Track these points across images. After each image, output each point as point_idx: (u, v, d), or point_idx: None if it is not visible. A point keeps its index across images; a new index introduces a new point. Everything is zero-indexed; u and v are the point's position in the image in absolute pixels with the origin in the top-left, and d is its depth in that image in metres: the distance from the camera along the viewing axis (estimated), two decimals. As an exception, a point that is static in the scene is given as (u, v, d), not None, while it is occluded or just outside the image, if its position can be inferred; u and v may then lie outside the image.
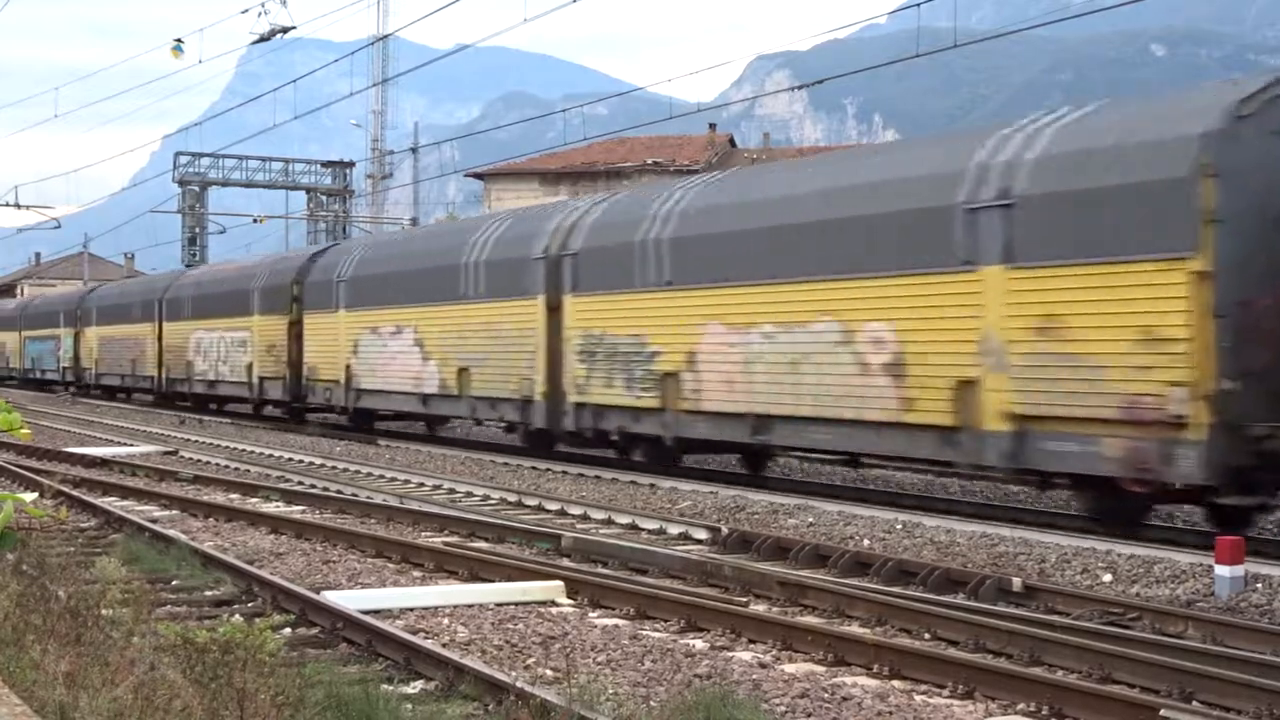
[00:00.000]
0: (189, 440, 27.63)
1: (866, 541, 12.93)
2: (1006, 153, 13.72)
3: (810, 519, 14.31)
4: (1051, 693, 7.21)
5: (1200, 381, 11.60)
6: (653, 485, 17.62)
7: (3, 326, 64.56)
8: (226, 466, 21.98)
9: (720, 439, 17.93)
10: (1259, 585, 10.20)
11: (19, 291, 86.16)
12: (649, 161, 52.31)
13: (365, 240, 31.37)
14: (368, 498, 17.17)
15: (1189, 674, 7.52)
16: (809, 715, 7.15)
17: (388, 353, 26.11)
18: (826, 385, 15.60)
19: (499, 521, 14.52)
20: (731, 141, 62.33)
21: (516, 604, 10.10)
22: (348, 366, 27.75)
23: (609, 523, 14.99)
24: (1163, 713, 6.74)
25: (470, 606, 9.98)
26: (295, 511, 15.87)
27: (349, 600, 9.73)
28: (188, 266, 58.46)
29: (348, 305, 28.04)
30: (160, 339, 40.37)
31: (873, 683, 7.81)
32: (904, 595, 10.06)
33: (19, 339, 60.30)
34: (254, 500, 17.11)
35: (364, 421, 28.70)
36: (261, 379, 32.46)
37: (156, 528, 13.49)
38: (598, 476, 18.93)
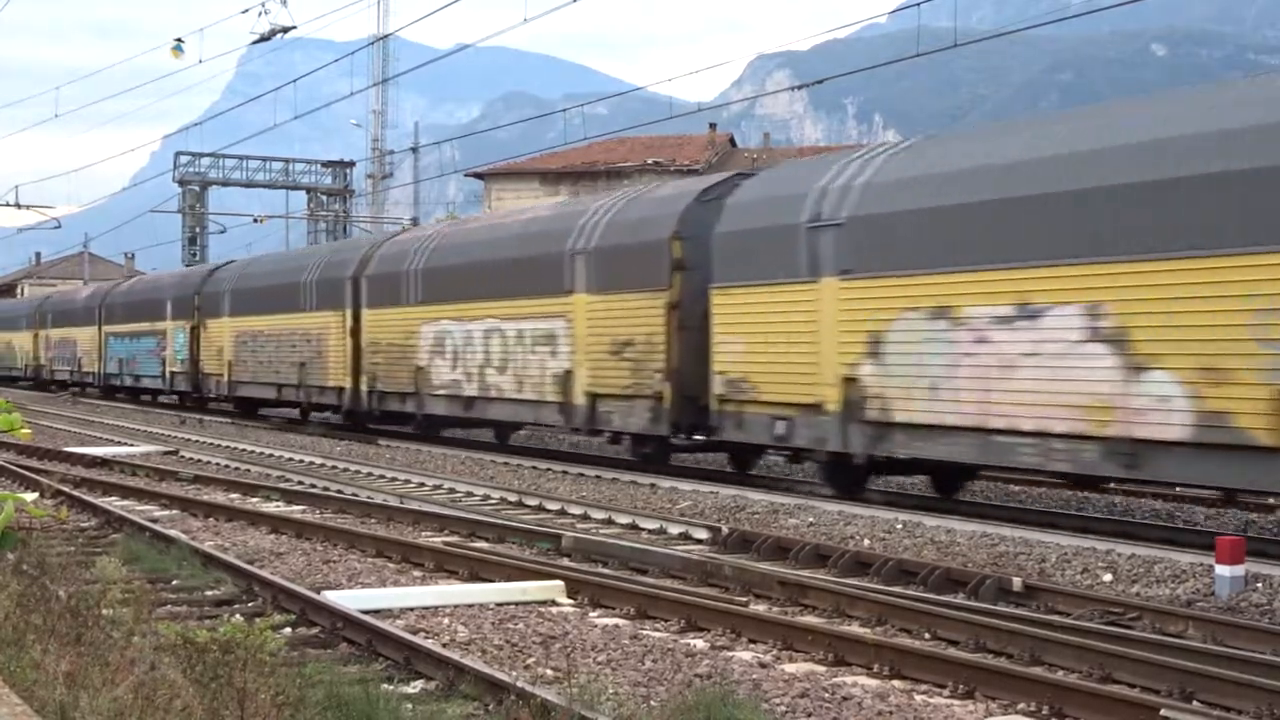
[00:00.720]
0: (189, 440, 27.62)
1: (866, 541, 12.93)
2: None
3: (810, 519, 14.31)
4: (1052, 693, 7.21)
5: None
6: (653, 485, 17.62)
7: (69, 321, 51.10)
8: (227, 466, 21.99)
9: None
10: (1259, 585, 10.20)
11: (19, 291, 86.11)
12: (649, 161, 52.32)
13: (858, 153, 17.00)
14: (368, 497, 17.17)
15: (1189, 674, 7.52)
16: (809, 715, 7.14)
17: (992, 355, 13.82)
18: None
19: (499, 521, 14.52)
20: (732, 141, 62.36)
21: (517, 604, 10.10)
22: (850, 380, 15.47)
23: (609, 522, 14.99)
24: (1163, 713, 6.74)
25: (470, 606, 9.98)
26: (295, 511, 15.88)
27: (349, 600, 9.73)
28: (187, 266, 58.01)
29: (850, 270, 15.54)
30: (355, 334, 27.80)
31: (873, 683, 7.81)
32: (904, 595, 10.06)
33: (97, 337, 46.81)
34: (254, 500, 17.11)
35: (852, 480, 16.32)
36: (594, 397, 20.10)
37: (157, 527, 13.50)
38: (598, 476, 18.93)
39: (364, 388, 27.45)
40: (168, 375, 39.83)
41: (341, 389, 28.34)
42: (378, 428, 27.79)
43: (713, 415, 17.77)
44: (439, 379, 24.47)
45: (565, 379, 20.74)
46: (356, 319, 27.84)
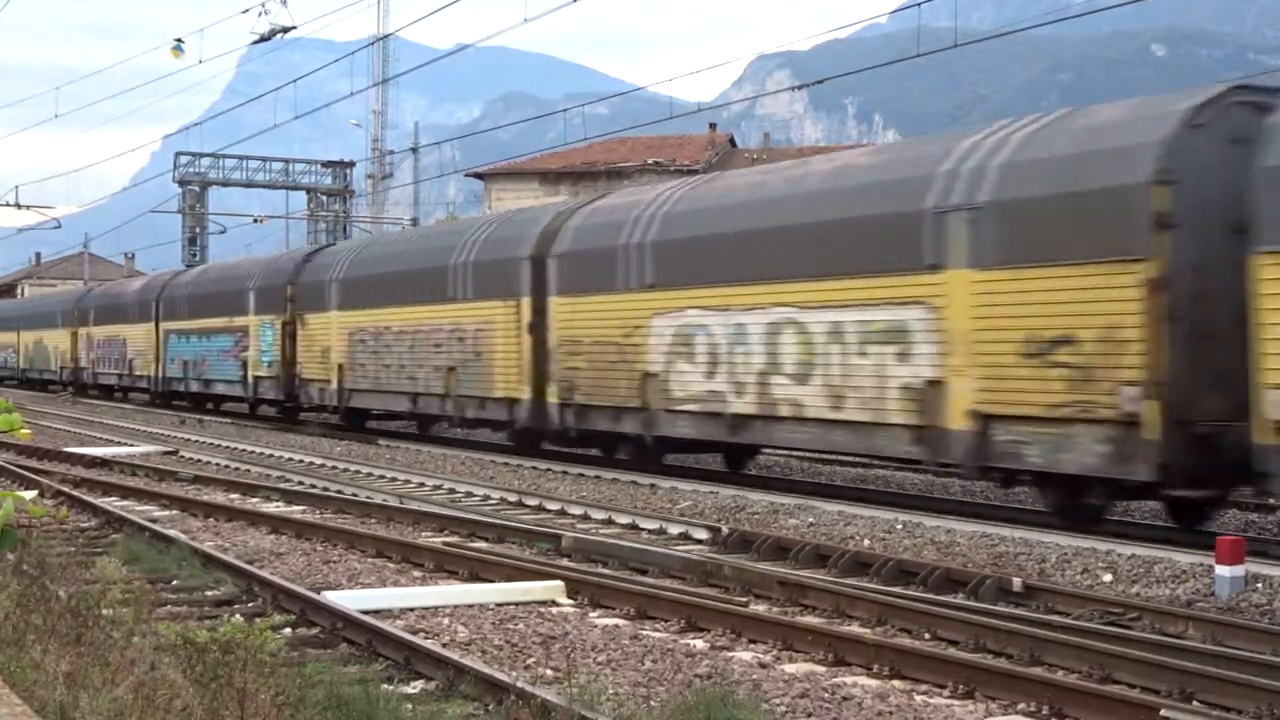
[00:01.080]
0: (189, 440, 27.62)
1: (866, 541, 12.93)
2: None
3: (810, 519, 14.31)
4: (1052, 693, 7.21)
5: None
6: (653, 485, 17.62)
7: (117, 317, 44.50)
8: (226, 466, 21.99)
9: None
10: (1259, 585, 10.20)
11: (19, 292, 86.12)
12: (649, 161, 52.33)
13: None
14: (368, 498, 17.18)
15: (1189, 674, 7.52)
16: (809, 715, 7.15)
17: None
18: None
19: (499, 521, 14.52)
20: (732, 141, 62.38)
21: (517, 604, 10.10)
22: None
23: (609, 523, 14.99)
24: (1163, 713, 6.74)
25: (470, 606, 9.98)
26: (295, 511, 15.88)
27: (349, 600, 9.73)
28: (187, 267, 57.79)
29: None
30: (537, 330, 21.30)
31: (873, 683, 7.82)
32: (904, 595, 10.06)
33: (154, 334, 40.33)
34: (254, 500, 17.11)
35: None
36: (986, 419, 13.87)
37: (157, 528, 13.51)
38: (598, 476, 18.92)
39: (552, 399, 20.79)
40: (249, 380, 33.28)
41: (515, 401, 21.78)
42: (570, 452, 21.85)
43: (1261, 455, 11.41)
44: (684, 389, 18.03)
45: (927, 393, 14.43)
46: (539, 310, 21.27)
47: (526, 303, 21.63)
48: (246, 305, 33.60)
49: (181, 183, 69.33)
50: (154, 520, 14.57)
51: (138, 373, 41.93)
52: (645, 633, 9.23)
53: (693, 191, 19.42)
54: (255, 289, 33.44)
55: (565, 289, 20.76)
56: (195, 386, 37.52)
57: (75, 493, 16.83)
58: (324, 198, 70.11)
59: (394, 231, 37.19)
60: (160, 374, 39.87)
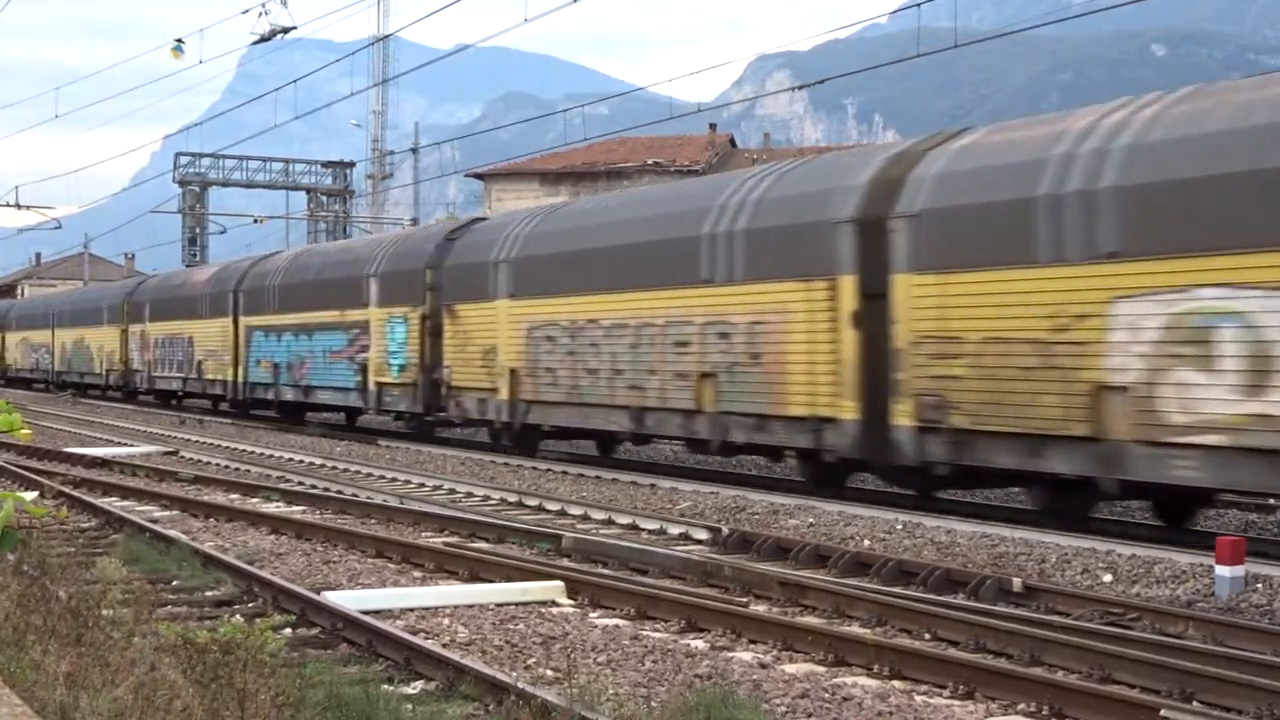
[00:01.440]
0: (189, 440, 27.61)
1: (866, 542, 12.93)
2: None
3: (810, 519, 14.31)
4: (1052, 693, 7.21)
5: None
6: (653, 485, 17.63)
7: (182, 311, 38.36)
8: (227, 467, 21.99)
9: None
10: (1259, 585, 10.20)
11: (19, 292, 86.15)
12: (649, 161, 52.34)
13: None
14: (368, 498, 17.18)
15: (1189, 674, 7.52)
16: (809, 715, 7.15)
17: None
18: None
19: (499, 522, 14.53)
20: (732, 141, 62.40)
21: (517, 604, 10.10)
22: None
23: (609, 523, 14.99)
24: (1163, 713, 6.74)
25: (471, 607, 9.98)
26: (296, 512, 15.88)
27: (349, 600, 9.73)
28: (187, 266, 57.68)
29: None
30: (863, 322, 15.42)
31: (873, 683, 7.82)
32: (904, 595, 10.06)
33: (230, 332, 34.21)
34: (254, 500, 17.11)
35: None
36: None
37: (157, 528, 13.50)
38: (598, 476, 18.93)
39: (902, 421, 14.74)
40: (370, 389, 27.02)
41: (826, 421, 15.83)
42: (920, 494, 16.13)
43: None
44: (1189, 413, 11.84)
45: None
46: (872, 294, 15.24)
47: (849, 283, 15.55)
48: (365, 295, 27.41)
49: (181, 183, 69.42)
50: (154, 520, 14.57)
51: (209, 376, 35.73)
52: (645, 633, 9.23)
53: (1170, 114, 12.74)
54: (378, 275, 27.08)
55: (927, 263, 14.50)
56: (289, 394, 30.89)
57: (75, 493, 16.84)
58: (324, 198, 70.18)
59: (593, 198, 31.10)
60: (241, 379, 33.55)
